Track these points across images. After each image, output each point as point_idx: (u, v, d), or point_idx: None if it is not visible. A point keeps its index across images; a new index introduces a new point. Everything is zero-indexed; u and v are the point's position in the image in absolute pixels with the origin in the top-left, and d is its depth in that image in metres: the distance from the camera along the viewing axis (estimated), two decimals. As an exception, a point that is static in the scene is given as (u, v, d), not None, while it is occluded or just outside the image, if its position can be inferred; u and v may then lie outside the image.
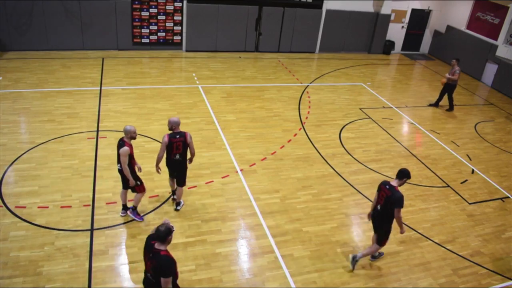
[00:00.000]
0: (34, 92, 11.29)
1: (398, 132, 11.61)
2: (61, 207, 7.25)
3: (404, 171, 6.35)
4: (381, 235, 6.58)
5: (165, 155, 7.16)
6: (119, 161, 6.68)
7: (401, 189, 6.24)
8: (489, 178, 9.86)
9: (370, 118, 12.16)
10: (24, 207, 7.16)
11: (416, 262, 7.05)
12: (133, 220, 7.15)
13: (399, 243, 7.41)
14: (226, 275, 6.31)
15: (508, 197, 9.26)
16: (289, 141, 10.34)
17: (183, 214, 7.43)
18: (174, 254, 6.50)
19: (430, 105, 13.61)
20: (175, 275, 4.58)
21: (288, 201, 8.11)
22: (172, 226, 4.63)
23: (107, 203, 7.46)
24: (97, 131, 9.72)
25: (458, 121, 12.89)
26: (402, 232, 6.46)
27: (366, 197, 8.56)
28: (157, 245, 4.54)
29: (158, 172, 7.19)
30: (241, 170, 8.92)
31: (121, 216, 7.24)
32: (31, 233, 6.64)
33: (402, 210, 8.28)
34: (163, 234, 4.50)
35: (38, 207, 7.18)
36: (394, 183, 6.36)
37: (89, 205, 7.36)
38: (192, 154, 7.32)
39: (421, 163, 10.14)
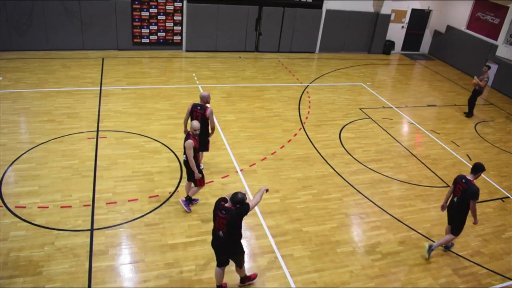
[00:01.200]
0: (34, 92, 11.29)
1: (398, 132, 11.61)
2: (61, 207, 7.25)
3: (478, 166, 6.65)
4: (457, 225, 6.93)
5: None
6: (185, 153, 7.06)
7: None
8: (489, 178, 9.86)
9: (370, 118, 12.16)
10: (24, 207, 7.16)
11: (416, 262, 7.05)
12: (133, 220, 7.15)
13: (399, 243, 7.41)
14: (226, 275, 6.29)
15: (508, 197, 9.26)
16: (289, 141, 10.34)
17: (183, 214, 7.43)
18: (174, 254, 6.55)
19: (467, 116, 13.25)
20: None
21: (288, 201, 8.11)
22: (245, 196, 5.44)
23: (107, 203, 7.46)
24: (97, 131, 9.72)
25: (458, 121, 12.89)
26: (475, 223, 6.83)
27: (366, 197, 8.56)
28: (227, 205, 5.39)
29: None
30: (241, 170, 8.92)
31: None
32: (31, 233, 6.64)
33: (402, 209, 8.36)
34: (238, 200, 5.32)
35: (38, 207, 7.18)
36: (469, 177, 6.69)
37: (89, 205, 7.36)
38: (212, 128, 8.01)
39: (421, 163, 10.14)
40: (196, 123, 6.99)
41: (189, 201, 7.56)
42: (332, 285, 6.40)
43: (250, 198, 8.01)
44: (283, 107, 12.15)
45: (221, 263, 5.80)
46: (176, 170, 8.62)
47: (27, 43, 13.89)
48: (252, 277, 6.24)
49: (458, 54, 17.99)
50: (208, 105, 7.99)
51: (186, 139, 6.94)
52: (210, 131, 8.03)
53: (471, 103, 13.07)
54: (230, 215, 5.31)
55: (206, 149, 8.36)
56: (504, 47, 15.75)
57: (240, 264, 5.91)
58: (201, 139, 7.88)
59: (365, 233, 7.61)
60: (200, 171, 7.23)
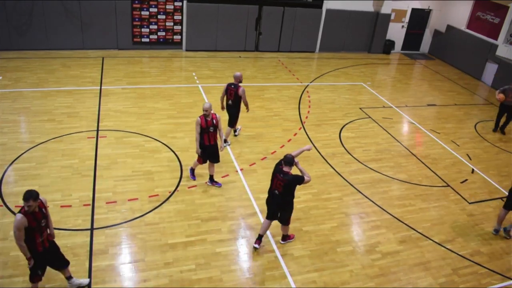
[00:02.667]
0: (34, 91, 11.29)
1: (398, 132, 11.61)
2: (61, 206, 7.25)
3: None
4: None
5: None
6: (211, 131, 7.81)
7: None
8: (489, 178, 9.86)
9: (370, 117, 12.16)
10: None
11: (416, 262, 7.05)
12: (133, 219, 7.15)
13: (399, 243, 7.41)
14: (226, 275, 6.32)
15: (508, 196, 9.26)
16: (289, 140, 10.34)
17: (183, 214, 7.44)
18: (174, 253, 6.55)
19: (496, 130, 12.28)
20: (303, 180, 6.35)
21: (288, 201, 8.10)
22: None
23: (107, 203, 7.46)
24: (97, 130, 9.72)
25: (458, 120, 12.89)
26: None
27: (366, 197, 8.56)
28: (285, 169, 6.29)
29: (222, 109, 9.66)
30: (241, 169, 8.92)
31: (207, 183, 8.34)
32: (31, 232, 6.64)
33: (402, 209, 8.36)
34: (291, 160, 6.25)
35: (38, 207, 7.18)
36: None
37: (89, 205, 7.36)
38: (245, 103, 9.38)
39: (421, 162, 10.14)
40: (206, 105, 7.51)
41: (212, 180, 8.28)
42: (332, 285, 6.40)
43: (250, 199, 8.06)
44: (283, 106, 12.15)
45: (270, 217, 6.68)
46: (176, 170, 8.63)
47: (27, 43, 13.89)
48: (291, 237, 7.10)
49: (458, 53, 17.98)
50: (240, 84, 9.19)
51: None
52: (245, 107, 9.45)
53: (501, 117, 12.18)
54: (287, 179, 6.21)
55: (233, 125, 9.68)
56: (504, 47, 15.75)
57: (286, 223, 6.73)
58: (231, 115, 9.49)
59: (365, 232, 7.61)
60: (200, 149, 7.75)
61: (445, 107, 13.71)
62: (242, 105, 9.51)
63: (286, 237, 7.02)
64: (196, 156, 8.05)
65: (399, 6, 18.28)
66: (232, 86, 9.18)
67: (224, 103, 9.56)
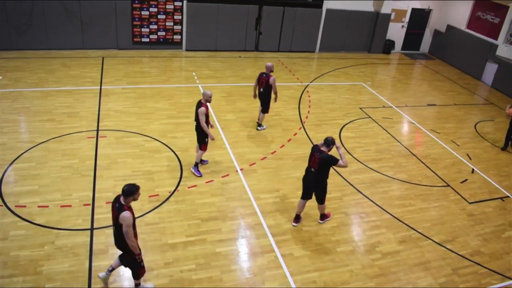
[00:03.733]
0: (34, 91, 11.29)
1: (398, 132, 11.61)
2: (61, 206, 7.25)
3: None
4: None
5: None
6: (196, 119, 8.02)
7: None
8: (489, 178, 9.86)
9: (370, 117, 12.16)
10: (24, 206, 7.16)
11: (416, 262, 7.05)
12: (133, 219, 7.15)
13: (399, 243, 7.41)
14: (226, 275, 6.32)
15: (508, 196, 9.26)
16: (289, 140, 10.34)
17: (183, 213, 7.44)
18: (174, 253, 6.55)
19: (506, 149, 11.29)
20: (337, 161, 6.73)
21: (288, 200, 8.11)
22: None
23: (107, 203, 7.46)
24: (97, 130, 9.72)
25: (458, 120, 12.89)
26: None
27: (366, 196, 8.56)
28: (322, 148, 6.76)
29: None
30: (241, 169, 8.93)
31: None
32: (31, 232, 6.65)
33: (402, 209, 8.36)
34: (330, 141, 6.71)
35: (38, 206, 7.19)
36: None
37: (89, 205, 7.36)
38: (274, 92, 10.01)
39: (421, 162, 10.14)
40: (208, 92, 7.90)
41: (197, 166, 8.49)
42: (332, 285, 6.40)
43: (250, 198, 8.05)
44: (283, 106, 12.15)
45: (305, 196, 7.22)
46: (176, 169, 8.63)
47: (27, 43, 13.88)
48: (328, 215, 7.66)
49: (458, 53, 17.98)
50: (271, 73, 9.83)
51: (198, 106, 7.85)
52: (274, 96, 10.08)
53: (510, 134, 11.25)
54: (322, 156, 6.68)
55: (266, 111, 10.34)
56: (504, 47, 15.75)
57: (321, 201, 7.24)
58: (262, 101, 10.15)
59: (365, 232, 7.61)
60: (207, 136, 8.07)
61: (445, 107, 13.71)
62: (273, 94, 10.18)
63: (324, 216, 7.55)
64: (193, 150, 8.36)
65: (399, 6, 18.28)
66: (264, 76, 9.85)
67: (257, 91, 10.26)
